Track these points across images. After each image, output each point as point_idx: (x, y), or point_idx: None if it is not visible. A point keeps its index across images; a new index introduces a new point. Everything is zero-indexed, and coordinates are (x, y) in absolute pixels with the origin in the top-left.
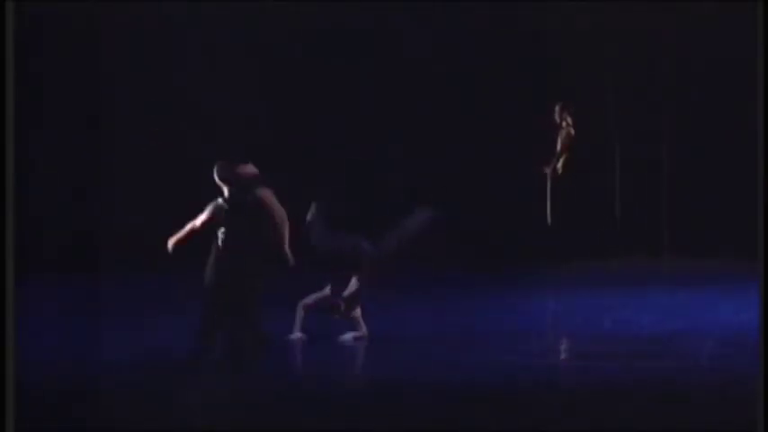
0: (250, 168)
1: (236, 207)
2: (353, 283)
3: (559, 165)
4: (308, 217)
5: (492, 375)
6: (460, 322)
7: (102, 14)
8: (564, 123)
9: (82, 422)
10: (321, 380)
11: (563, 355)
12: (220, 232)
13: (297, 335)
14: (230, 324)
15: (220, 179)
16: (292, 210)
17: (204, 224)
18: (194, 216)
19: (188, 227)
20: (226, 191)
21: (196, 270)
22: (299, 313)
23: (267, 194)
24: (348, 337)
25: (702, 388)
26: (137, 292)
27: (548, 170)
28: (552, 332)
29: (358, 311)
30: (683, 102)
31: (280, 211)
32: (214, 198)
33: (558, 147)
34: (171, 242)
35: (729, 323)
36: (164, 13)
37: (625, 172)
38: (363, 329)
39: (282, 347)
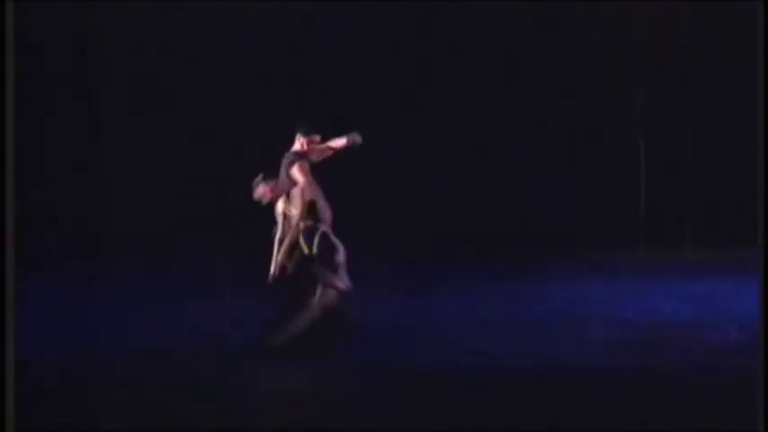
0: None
1: None
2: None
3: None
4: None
5: (520, 363)
6: (490, 311)
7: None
8: None
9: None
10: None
11: (593, 344)
12: None
13: None
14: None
15: None
16: None
17: None
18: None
19: None
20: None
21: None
22: None
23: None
24: None
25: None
26: (136, 282)
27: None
28: (580, 320)
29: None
30: (705, 95)
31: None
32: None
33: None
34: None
35: (750, 312)
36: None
37: (650, 165)
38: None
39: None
